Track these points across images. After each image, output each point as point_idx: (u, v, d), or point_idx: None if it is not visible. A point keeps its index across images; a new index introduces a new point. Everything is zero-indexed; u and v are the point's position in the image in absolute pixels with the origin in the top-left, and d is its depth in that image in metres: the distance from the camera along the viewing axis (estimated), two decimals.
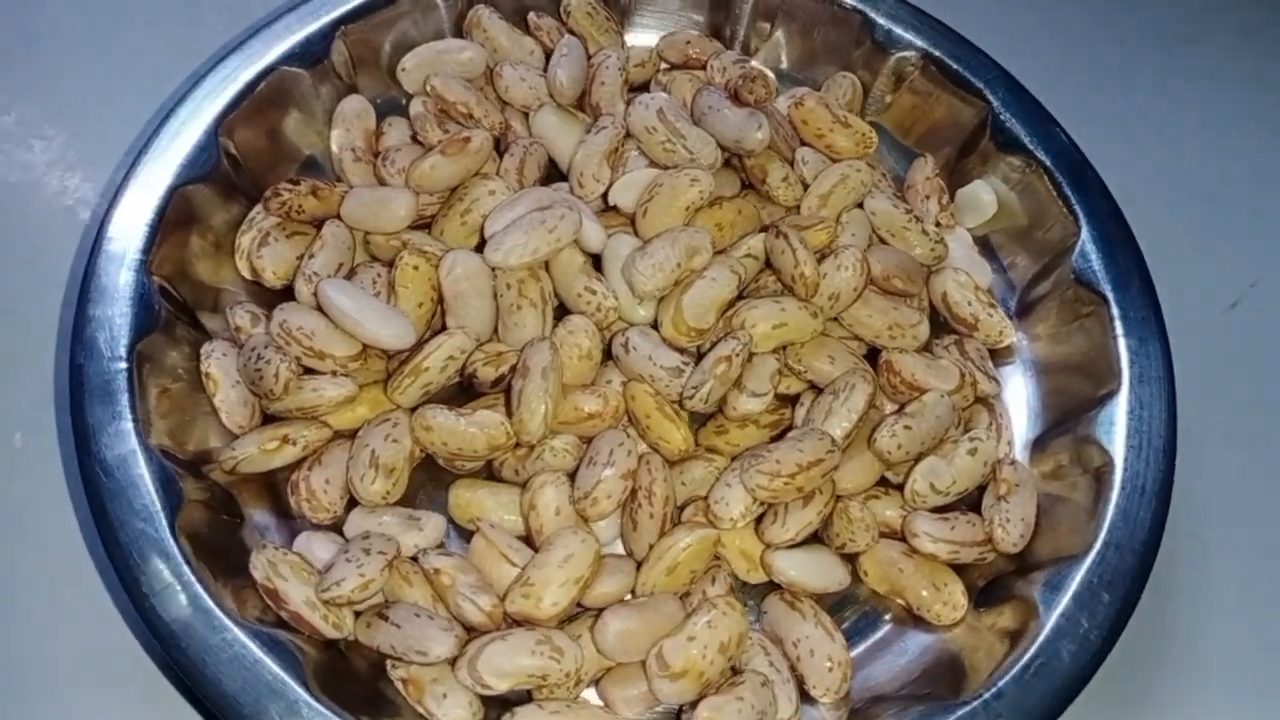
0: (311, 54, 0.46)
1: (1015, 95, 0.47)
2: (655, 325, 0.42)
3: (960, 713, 0.35)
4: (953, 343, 0.44)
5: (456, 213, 0.43)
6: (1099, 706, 0.37)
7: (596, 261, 0.42)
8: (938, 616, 0.39)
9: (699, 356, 0.41)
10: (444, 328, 0.41)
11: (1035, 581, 0.38)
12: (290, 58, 0.45)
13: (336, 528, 0.38)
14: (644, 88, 0.49)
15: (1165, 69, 0.58)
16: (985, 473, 0.40)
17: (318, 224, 0.42)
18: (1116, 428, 0.40)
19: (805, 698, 0.37)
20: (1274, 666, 0.44)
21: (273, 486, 0.40)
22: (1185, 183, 0.54)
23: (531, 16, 0.49)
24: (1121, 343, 0.41)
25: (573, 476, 0.39)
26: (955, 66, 0.47)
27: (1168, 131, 0.56)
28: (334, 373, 0.39)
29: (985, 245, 0.48)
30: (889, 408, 0.42)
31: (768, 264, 0.43)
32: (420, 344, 0.40)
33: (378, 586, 0.35)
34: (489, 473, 0.41)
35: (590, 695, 0.37)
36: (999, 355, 0.45)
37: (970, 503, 0.41)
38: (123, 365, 0.37)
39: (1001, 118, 0.46)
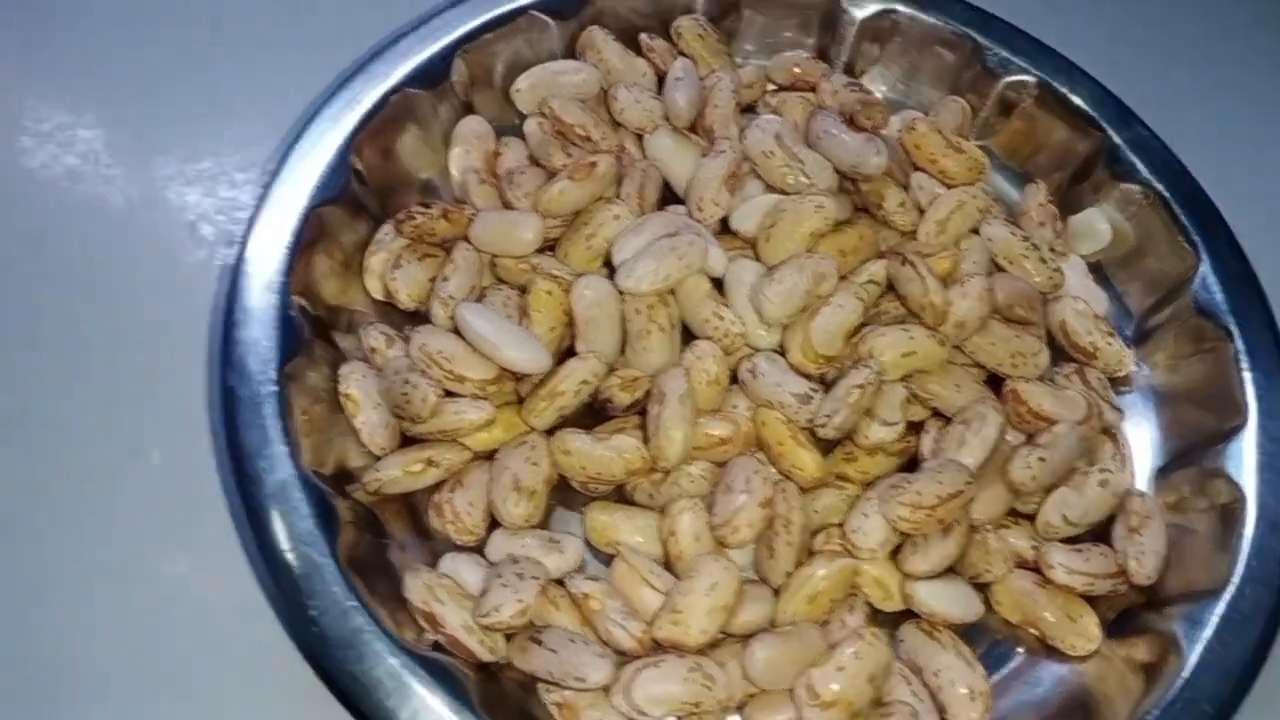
0: (432, 74, 0.46)
1: (1130, 125, 0.47)
2: (779, 350, 0.42)
3: None
4: (1074, 371, 0.44)
5: (581, 236, 0.43)
6: None
7: (717, 285, 0.43)
8: (1072, 647, 0.39)
9: (823, 382, 0.41)
10: (571, 350, 0.41)
11: (1171, 616, 0.38)
12: (413, 79, 0.45)
13: (477, 549, 0.39)
14: (750, 109, 0.50)
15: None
16: (1114, 504, 0.40)
17: (445, 246, 0.43)
18: (1245, 461, 0.40)
19: None
20: None
21: (411, 507, 0.40)
22: None
23: (644, 38, 0.50)
24: (1248, 376, 0.42)
25: (706, 501, 0.39)
26: (1071, 96, 0.48)
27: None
28: (473, 395, 0.39)
29: (1098, 272, 0.48)
30: (1010, 436, 0.42)
31: (888, 289, 0.43)
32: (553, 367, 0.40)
33: (533, 612, 0.35)
34: (619, 496, 0.41)
35: None
36: (1116, 384, 0.45)
37: (1095, 533, 0.41)
38: (273, 387, 0.37)
39: (1119, 147, 0.47)
